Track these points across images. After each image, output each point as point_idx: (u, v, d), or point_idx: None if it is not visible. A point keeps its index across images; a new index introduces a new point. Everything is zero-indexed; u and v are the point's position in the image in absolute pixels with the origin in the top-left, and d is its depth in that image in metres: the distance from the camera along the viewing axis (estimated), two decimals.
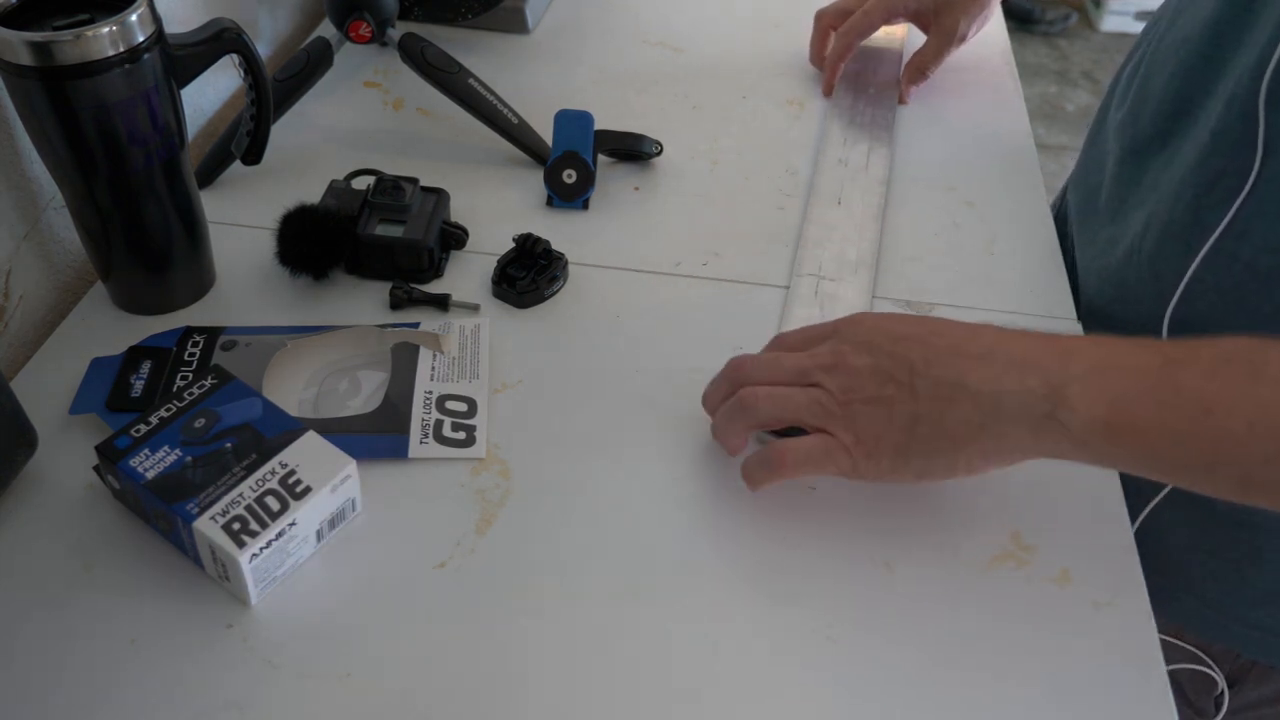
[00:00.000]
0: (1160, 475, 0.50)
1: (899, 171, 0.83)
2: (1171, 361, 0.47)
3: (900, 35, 0.98)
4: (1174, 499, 0.63)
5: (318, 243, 0.68)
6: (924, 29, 0.91)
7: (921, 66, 0.90)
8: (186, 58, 0.62)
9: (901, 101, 0.90)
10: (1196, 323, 0.63)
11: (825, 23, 0.92)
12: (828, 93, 0.90)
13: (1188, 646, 0.71)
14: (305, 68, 0.81)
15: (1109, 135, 0.73)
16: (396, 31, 0.83)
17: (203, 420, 0.55)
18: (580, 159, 0.76)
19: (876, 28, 0.89)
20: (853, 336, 0.54)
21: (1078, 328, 0.69)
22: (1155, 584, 0.68)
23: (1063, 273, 0.74)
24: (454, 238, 0.73)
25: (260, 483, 0.52)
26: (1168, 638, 0.70)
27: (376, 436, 0.59)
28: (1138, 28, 3.12)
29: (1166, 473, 0.49)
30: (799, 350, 0.56)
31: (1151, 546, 0.67)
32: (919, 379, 0.51)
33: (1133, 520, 0.58)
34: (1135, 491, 0.60)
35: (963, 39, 0.89)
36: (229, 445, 0.54)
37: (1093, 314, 0.71)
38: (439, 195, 0.73)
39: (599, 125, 0.78)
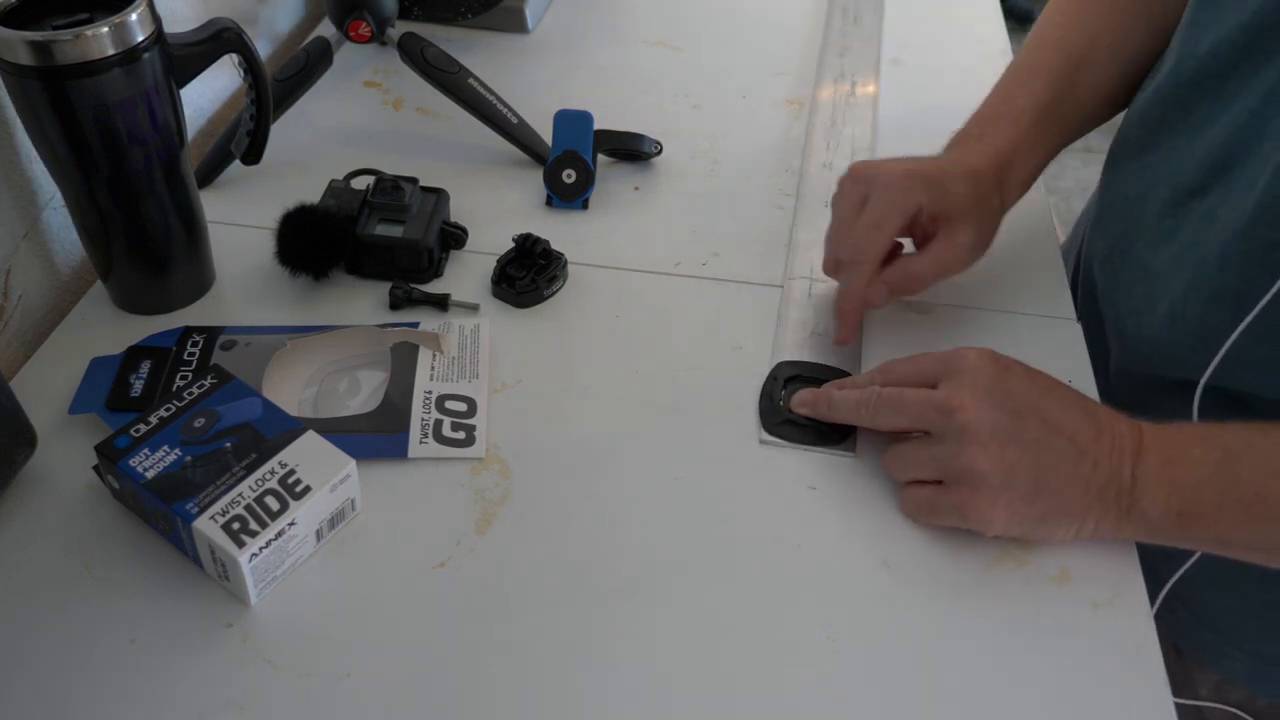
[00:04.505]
0: (1236, 555, 0.54)
1: None
2: (1231, 454, 0.52)
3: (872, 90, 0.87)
4: (1205, 567, 0.61)
5: (317, 243, 0.68)
6: (922, 239, 0.65)
7: (909, 284, 0.64)
8: (186, 57, 0.62)
9: (872, 305, 0.64)
10: (1233, 392, 0.60)
11: (831, 256, 0.67)
12: (842, 342, 0.66)
13: (1229, 709, 0.70)
14: (305, 67, 0.81)
15: (1133, 179, 0.69)
16: (396, 31, 0.83)
17: (202, 420, 0.55)
18: (580, 159, 0.76)
19: (892, 238, 0.63)
20: (969, 383, 0.54)
21: (1077, 328, 0.69)
22: (1206, 640, 0.68)
23: (1062, 273, 0.74)
24: (454, 238, 0.73)
25: (260, 482, 0.52)
26: (1210, 704, 0.70)
27: (376, 436, 0.59)
28: None
29: (1240, 553, 0.54)
30: (906, 379, 0.57)
31: (1195, 607, 0.66)
32: (1043, 450, 0.53)
33: (1163, 585, 0.59)
34: (1165, 559, 0.60)
35: (970, 261, 0.65)
36: (229, 445, 0.54)
37: (1124, 373, 0.68)
38: (439, 195, 0.73)
39: (599, 125, 0.78)
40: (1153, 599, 0.55)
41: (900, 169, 0.63)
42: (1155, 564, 0.59)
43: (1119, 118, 0.74)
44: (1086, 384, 0.65)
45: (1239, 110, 0.59)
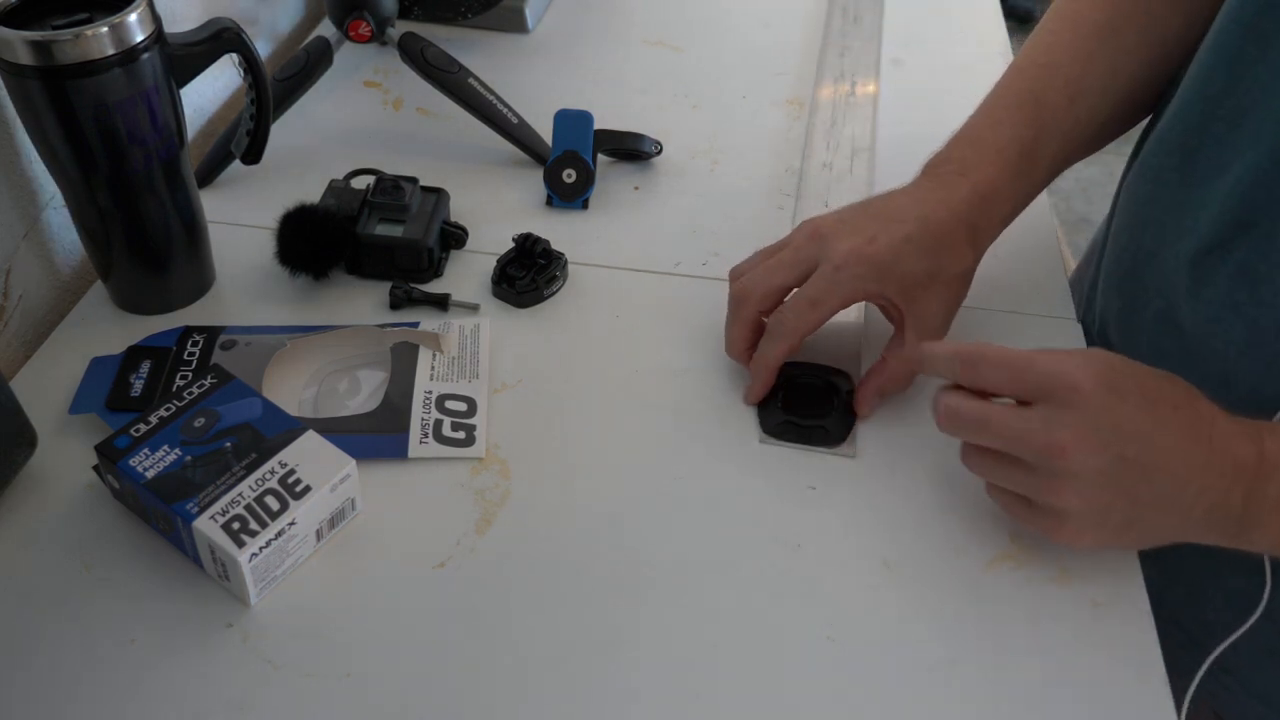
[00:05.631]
0: None
1: (899, 173, 0.82)
2: None
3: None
4: (1251, 637, 0.58)
5: (317, 242, 0.68)
6: (892, 318, 0.63)
7: (897, 385, 0.63)
8: (186, 57, 0.62)
9: (859, 413, 0.63)
10: None
11: (750, 309, 0.62)
12: (754, 401, 0.63)
13: None
14: (305, 67, 0.81)
15: (1140, 235, 0.65)
16: (396, 31, 0.83)
17: (202, 420, 0.55)
18: (580, 159, 0.76)
19: (826, 319, 0.61)
20: (1075, 420, 0.48)
21: (1077, 329, 0.69)
22: (1249, 706, 0.66)
23: (1063, 273, 0.74)
24: (454, 237, 0.73)
25: (260, 482, 0.52)
26: None
27: (376, 436, 0.59)
28: None
29: None
30: (998, 388, 0.51)
31: (1239, 674, 0.64)
32: (1142, 486, 0.49)
33: (1206, 654, 0.57)
34: (1206, 629, 0.59)
35: (943, 331, 0.63)
36: (229, 445, 0.54)
37: None
38: (439, 195, 0.73)
39: (599, 125, 0.78)
40: (1193, 671, 0.53)
41: (855, 251, 0.59)
42: (1198, 634, 0.57)
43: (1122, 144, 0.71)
44: None
45: (1255, 154, 0.54)
